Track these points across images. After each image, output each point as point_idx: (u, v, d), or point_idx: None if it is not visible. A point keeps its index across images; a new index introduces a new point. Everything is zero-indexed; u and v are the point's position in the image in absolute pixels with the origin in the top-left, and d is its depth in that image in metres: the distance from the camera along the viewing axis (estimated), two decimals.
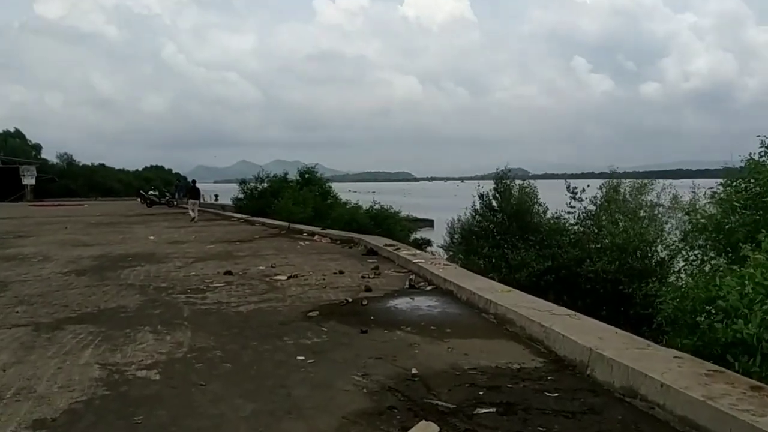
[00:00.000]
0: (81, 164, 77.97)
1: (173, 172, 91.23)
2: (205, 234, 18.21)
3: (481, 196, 14.15)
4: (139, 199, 44.49)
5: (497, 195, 13.68)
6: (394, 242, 13.21)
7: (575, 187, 12.64)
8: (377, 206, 24.79)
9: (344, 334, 6.02)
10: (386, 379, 4.65)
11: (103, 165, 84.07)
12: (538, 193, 13.30)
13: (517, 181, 13.80)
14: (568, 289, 11.39)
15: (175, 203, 43.58)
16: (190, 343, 5.76)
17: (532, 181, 14.32)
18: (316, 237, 16.15)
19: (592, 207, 12.67)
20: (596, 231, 12.04)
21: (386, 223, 23.67)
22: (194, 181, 30.71)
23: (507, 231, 12.91)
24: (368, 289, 8.36)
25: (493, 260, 12.28)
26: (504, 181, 13.61)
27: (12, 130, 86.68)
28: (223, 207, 36.24)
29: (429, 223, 38.83)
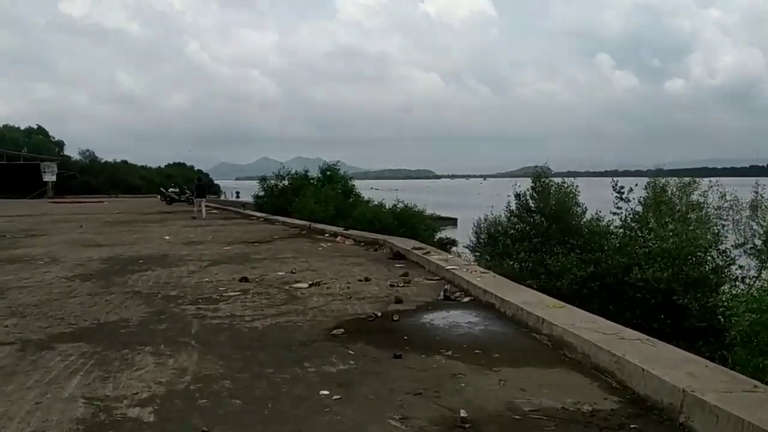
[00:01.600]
0: (103, 161, 77.91)
1: (195, 169, 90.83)
2: (223, 234, 17.44)
3: (517, 196, 13.16)
4: (159, 197, 43.97)
5: (534, 195, 12.70)
6: (423, 245, 12.31)
7: (621, 187, 11.64)
8: (401, 205, 23.89)
9: (375, 360, 5.15)
10: (430, 424, 3.78)
11: (125, 162, 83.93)
12: (578, 192, 12.31)
13: (556, 180, 12.80)
14: (614, 298, 10.41)
15: (203, 201, 43.09)
16: (195, 369, 4.92)
17: (572, 180, 13.31)
18: (338, 238, 15.31)
19: (638, 208, 11.69)
20: (643, 234, 11.04)
21: (410, 222, 22.72)
22: (199, 179, 29.98)
23: (546, 234, 11.95)
24: (399, 301, 7.48)
25: (530, 265, 11.35)
26: (542, 180, 12.62)
27: (35, 126, 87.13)
28: (244, 205, 35.55)
29: (452, 222, 37.88)
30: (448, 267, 9.18)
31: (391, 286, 8.57)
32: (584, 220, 12.23)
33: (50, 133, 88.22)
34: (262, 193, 29.38)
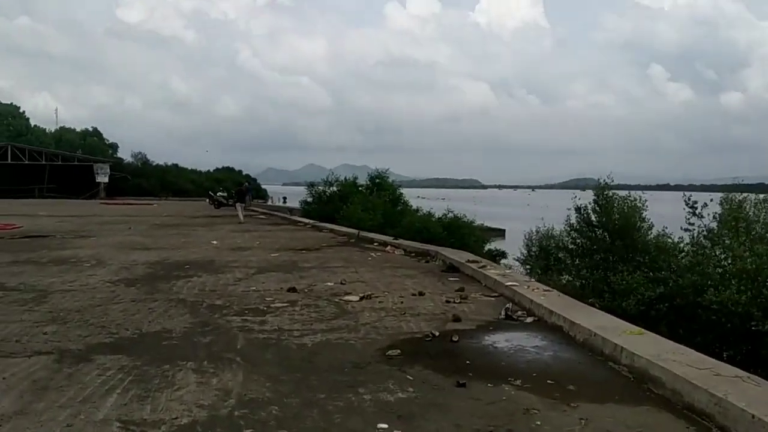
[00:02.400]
0: (155, 164, 79.05)
1: (243, 173, 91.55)
2: (270, 240, 17.15)
3: (578, 209, 12.46)
4: (207, 200, 44.24)
5: (597, 208, 11.97)
6: (478, 258, 11.76)
7: (695, 202, 10.86)
8: (451, 215, 23.32)
9: (436, 388, 4.65)
10: None
11: (176, 165, 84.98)
12: (646, 206, 11.54)
13: (621, 193, 12.05)
14: (684, 320, 9.69)
15: (243, 205, 43.23)
16: (240, 391, 4.50)
17: (640, 193, 12.56)
18: (388, 248, 14.85)
19: (711, 224, 10.89)
20: (717, 254, 10.30)
21: (460, 232, 22.12)
22: (241, 184, 31.05)
23: (609, 250, 11.24)
24: (457, 319, 6.96)
25: (592, 283, 10.68)
26: (606, 193, 11.88)
27: (91, 129, 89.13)
28: (291, 210, 35.43)
29: (500, 233, 37.13)
30: (507, 283, 8.62)
31: (447, 302, 8.06)
32: (650, 236, 11.47)
33: (105, 136, 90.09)
34: (309, 199, 29.13)
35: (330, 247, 15.51)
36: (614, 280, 10.24)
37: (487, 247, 24.60)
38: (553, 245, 24.63)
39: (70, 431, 3.73)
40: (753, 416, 3.64)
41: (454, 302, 8.03)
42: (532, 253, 25.07)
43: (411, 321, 6.94)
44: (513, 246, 26.46)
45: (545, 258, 23.94)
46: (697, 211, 10.87)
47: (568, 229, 12.86)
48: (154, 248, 14.48)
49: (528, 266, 24.03)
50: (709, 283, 9.71)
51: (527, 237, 24.68)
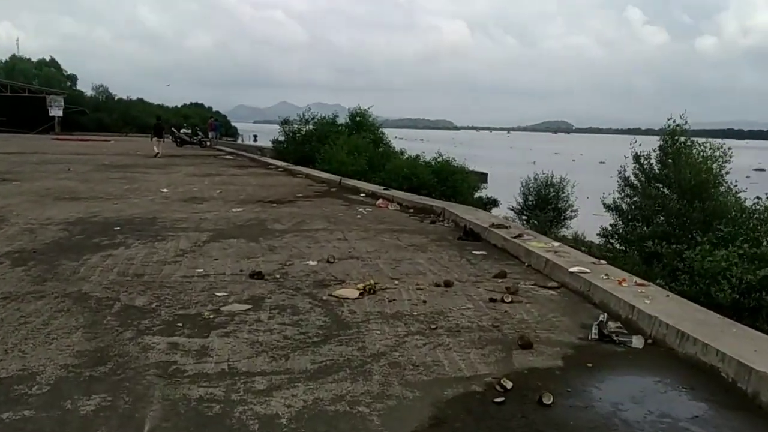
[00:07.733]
0: (117, 98, 74.22)
1: (213, 110, 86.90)
2: (235, 188, 14.13)
3: (636, 158, 9.62)
4: (170, 137, 40.68)
5: (665, 159, 9.17)
6: (503, 221, 9.05)
7: None
8: (440, 158, 20.49)
9: None
10: None
11: (141, 100, 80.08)
12: (729, 159, 8.74)
13: (696, 140, 9.24)
14: None
15: (208, 144, 39.85)
16: None
17: (720, 141, 9.81)
18: (379, 201, 12.00)
19: None
20: None
21: (452, 179, 19.32)
22: (159, 117, 32.28)
23: (682, 214, 8.55)
24: (527, 345, 4.24)
25: (664, 259, 8.03)
26: (677, 140, 9.04)
27: (48, 59, 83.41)
28: (261, 149, 32.24)
29: (482, 178, 34.68)
30: (572, 269, 5.89)
31: (492, 300, 5.32)
32: (727, 197, 8.79)
33: (66, 68, 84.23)
34: (282, 138, 25.97)
35: (307, 198, 12.62)
36: (692, 257, 7.59)
37: (477, 194, 22.05)
38: (553, 194, 21.95)
39: None
40: None
41: (502, 301, 5.30)
42: (529, 203, 22.42)
43: (451, 345, 4.20)
44: (499, 191, 23.91)
45: (542, 208, 21.29)
46: None
47: (622, 183, 10.06)
48: (84, 198, 11.45)
49: (524, 217, 21.42)
50: None
51: (524, 184, 22.02)
